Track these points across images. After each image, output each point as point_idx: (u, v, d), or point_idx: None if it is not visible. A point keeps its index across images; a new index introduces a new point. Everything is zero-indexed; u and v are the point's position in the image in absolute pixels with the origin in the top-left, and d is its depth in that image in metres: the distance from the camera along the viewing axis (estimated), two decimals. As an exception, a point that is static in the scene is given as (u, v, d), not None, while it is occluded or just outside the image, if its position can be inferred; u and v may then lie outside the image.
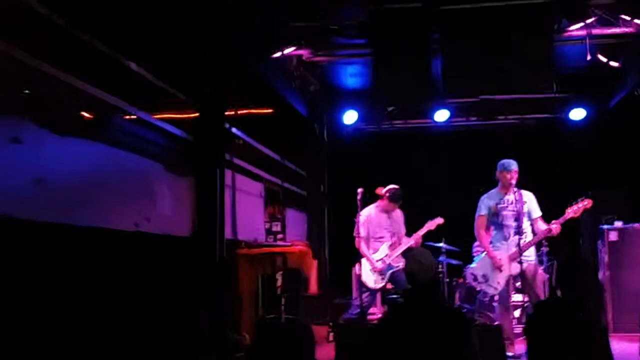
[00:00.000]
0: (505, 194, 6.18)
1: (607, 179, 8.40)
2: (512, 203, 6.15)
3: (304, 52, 6.65)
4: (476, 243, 8.57)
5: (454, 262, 8.46)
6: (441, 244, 7.86)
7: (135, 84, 4.41)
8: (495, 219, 6.23)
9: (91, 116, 3.78)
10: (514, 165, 6.04)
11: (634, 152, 8.76)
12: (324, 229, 9.64)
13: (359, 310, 6.60)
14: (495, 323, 7.21)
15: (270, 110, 8.21)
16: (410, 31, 5.69)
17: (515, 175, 6.04)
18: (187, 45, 5.12)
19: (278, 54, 6.33)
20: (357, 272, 6.72)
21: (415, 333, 3.35)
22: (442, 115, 9.20)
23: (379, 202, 6.82)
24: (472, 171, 9.41)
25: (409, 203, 7.15)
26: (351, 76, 8.13)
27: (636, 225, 7.65)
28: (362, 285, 6.56)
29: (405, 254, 3.88)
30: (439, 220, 6.82)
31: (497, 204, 6.19)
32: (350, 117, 9.32)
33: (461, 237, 8.07)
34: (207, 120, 5.41)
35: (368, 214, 6.62)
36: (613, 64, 6.53)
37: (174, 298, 4.55)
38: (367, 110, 9.37)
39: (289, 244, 6.36)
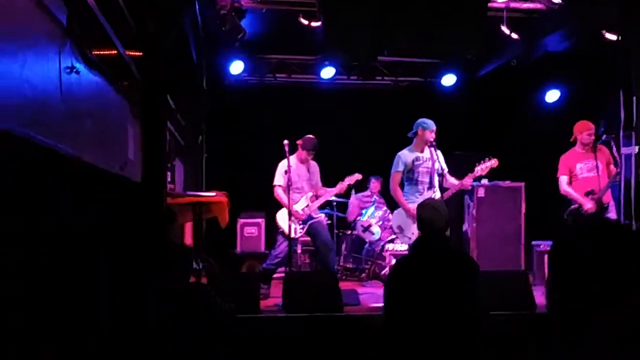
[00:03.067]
0: (421, 151, 6.62)
1: (471, 142, 9.24)
2: (426, 160, 6.61)
3: (244, -2, 6.42)
4: (353, 196, 9.05)
5: (340, 214, 8.87)
6: (332, 197, 8.15)
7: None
8: (410, 175, 6.64)
9: (101, 51, 3.41)
10: (433, 125, 6.50)
11: (495, 119, 9.80)
12: (201, 179, 9.45)
13: (277, 260, 6.69)
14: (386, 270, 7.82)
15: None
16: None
17: (434, 134, 6.51)
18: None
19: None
20: (277, 222, 6.81)
21: (429, 273, 3.60)
22: (328, 72, 9.43)
23: (297, 153, 6.90)
24: (351, 127, 9.83)
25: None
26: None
27: (499, 182, 8.68)
28: (282, 234, 6.65)
29: (420, 202, 3.95)
30: (358, 176, 7.09)
31: (413, 160, 6.61)
32: (236, 67, 9.19)
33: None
34: (152, 61, 5.08)
35: (289, 164, 6.66)
36: (514, 36, 7.18)
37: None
38: (252, 62, 9.32)
39: (212, 193, 6.19)
